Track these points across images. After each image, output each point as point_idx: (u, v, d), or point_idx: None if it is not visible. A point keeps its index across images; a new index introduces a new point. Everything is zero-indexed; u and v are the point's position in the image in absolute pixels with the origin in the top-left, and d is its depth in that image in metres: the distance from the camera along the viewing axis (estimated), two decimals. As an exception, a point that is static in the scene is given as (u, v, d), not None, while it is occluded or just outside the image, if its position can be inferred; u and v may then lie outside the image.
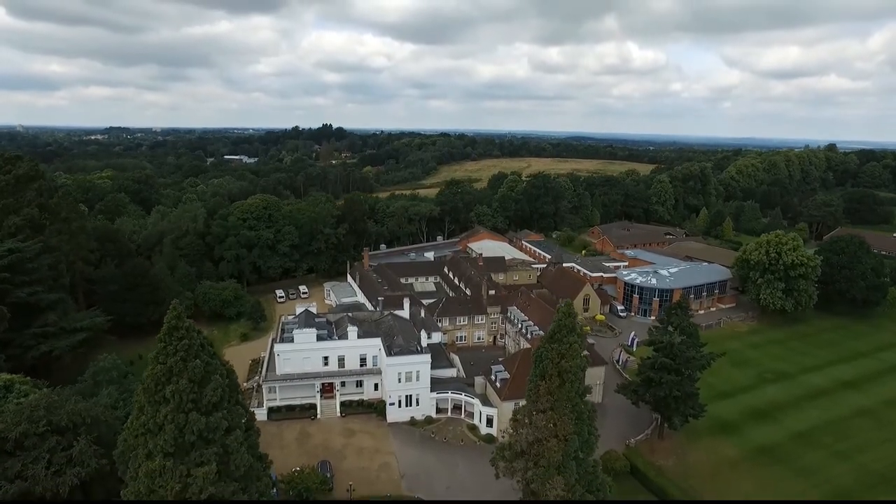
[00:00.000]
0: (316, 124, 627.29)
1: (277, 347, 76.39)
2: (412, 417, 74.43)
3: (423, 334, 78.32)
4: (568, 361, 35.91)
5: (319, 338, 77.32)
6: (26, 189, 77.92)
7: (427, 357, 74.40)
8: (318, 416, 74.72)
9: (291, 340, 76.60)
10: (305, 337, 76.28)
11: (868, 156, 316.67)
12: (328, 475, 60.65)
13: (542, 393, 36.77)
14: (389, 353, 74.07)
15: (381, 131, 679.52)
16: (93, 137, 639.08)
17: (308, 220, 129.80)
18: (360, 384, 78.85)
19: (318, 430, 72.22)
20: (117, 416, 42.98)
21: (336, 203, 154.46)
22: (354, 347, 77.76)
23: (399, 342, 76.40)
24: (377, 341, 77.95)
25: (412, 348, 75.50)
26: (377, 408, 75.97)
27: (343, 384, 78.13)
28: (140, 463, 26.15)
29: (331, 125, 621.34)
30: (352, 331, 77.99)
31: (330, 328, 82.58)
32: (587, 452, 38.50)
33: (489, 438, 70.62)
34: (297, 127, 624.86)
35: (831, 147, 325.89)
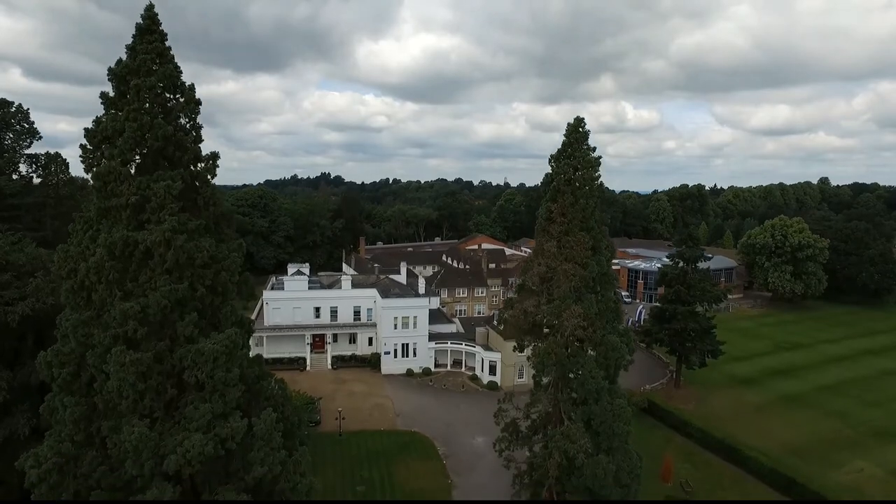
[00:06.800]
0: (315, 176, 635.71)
1: (267, 295, 72.10)
2: (409, 369, 69.23)
3: (422, 282, 74.21)
4: (582, 172, 32.65)
5: (311, 287, 73.26)
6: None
7: (425, 301, 70.17)
8: (308, 368, 69.60)
9: (282, 288, 72.46)
10: (297, 285, 72.25)
11: (861, 188, 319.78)
12: (316, 405, 55.43)
13: (554, 216, 33.17)
14: (385, 295, 69.81)
15: (380, 180, 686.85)
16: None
17: (304, 213, 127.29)
18: (353, 340, 73.98)
19: (307, 379, 66.79)
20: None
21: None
22: (348, 298, 73.41)
23: (396, 291, 72.32)
24: (372, 291, 73.72)
25: (409, 294, 71.34)
26: (371, 361, 70.91)
27: (335, 338, 73.25)
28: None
29: (329, 173, 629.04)
30: (345, 280, 74.16)
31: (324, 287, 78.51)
32: (605, 287, 34.43)
33: (492, 386, 65.39)
34: (295, 175, 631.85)
35: (825, 180, 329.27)
